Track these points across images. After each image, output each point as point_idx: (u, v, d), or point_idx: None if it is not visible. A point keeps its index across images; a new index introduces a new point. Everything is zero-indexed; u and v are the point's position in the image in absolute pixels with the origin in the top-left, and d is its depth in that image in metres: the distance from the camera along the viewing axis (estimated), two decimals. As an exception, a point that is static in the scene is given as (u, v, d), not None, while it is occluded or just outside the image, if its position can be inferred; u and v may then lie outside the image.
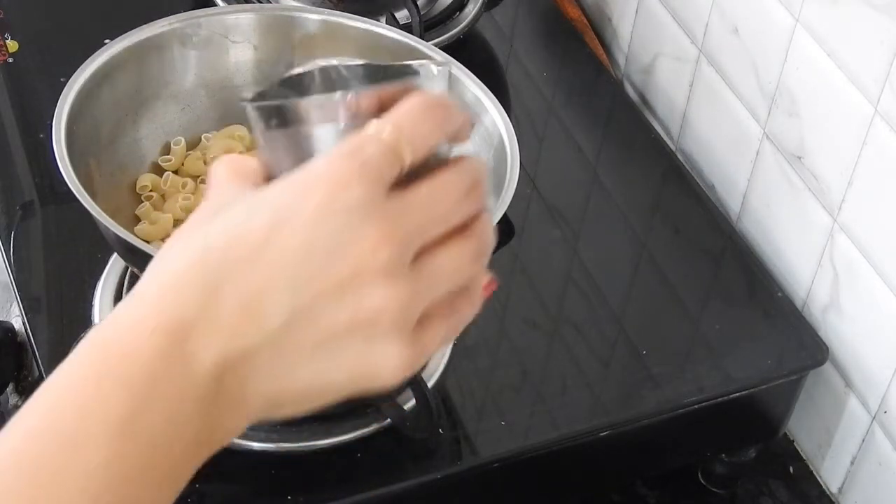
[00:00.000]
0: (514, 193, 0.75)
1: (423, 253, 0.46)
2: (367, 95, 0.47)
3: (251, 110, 0.48)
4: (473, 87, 0.82)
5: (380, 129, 0.46)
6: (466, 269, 0.47)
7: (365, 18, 0.86)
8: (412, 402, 0.80)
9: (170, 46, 0.83)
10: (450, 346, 0.86)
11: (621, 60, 1.20)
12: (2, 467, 0.42)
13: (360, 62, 0.49)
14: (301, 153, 0.47)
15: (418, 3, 1.07)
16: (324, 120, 0.47)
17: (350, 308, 0.45)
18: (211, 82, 0.85)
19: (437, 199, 0.46)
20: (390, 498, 0.79)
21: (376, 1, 1.10)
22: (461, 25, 1.12)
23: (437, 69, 0.50)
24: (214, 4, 1.09)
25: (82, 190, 0.70)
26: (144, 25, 0.82)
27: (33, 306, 0.85)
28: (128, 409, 0.43)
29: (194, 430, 0.44)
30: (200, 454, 0.46)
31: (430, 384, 0.82)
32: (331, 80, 0.50)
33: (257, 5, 1.06)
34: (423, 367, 0.84)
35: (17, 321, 0.88)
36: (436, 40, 1.08)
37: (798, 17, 0.92)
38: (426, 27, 1.08)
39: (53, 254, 0.90)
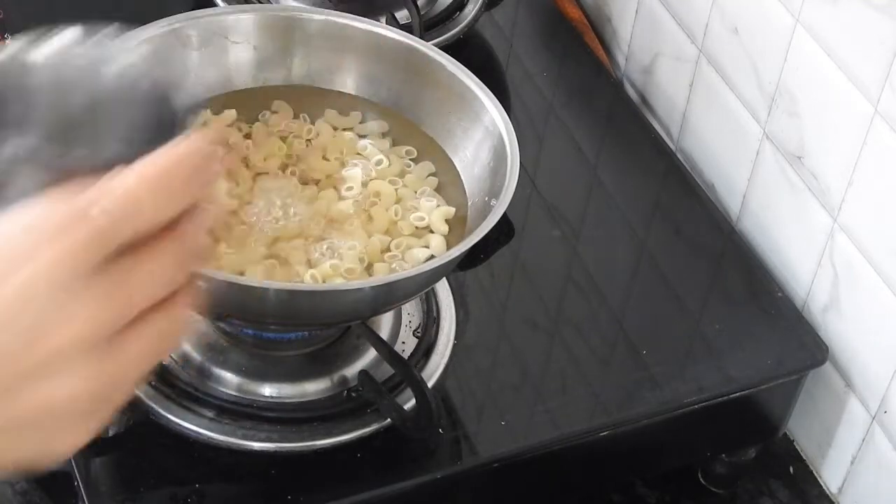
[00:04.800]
0: (514, 193, 0.75)
1: (122, 332, 0.45)
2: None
3: None
4: (473, 87, 0.82)
5: (92, 205, 0.43)
6: (159, 349, 0.47)
7: (365, 18, 0.86)
8: (412, 402, 0.80)
9: (170, 47, 0.83)
10: (450, 346, 0.86)
11: (621, 60, 1.20)
12: None
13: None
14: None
15: (418, 3, 1.07)
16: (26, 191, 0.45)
17: (45, 391, 0.44)
18: (211, 83, 0.85)
19: (146, 277, 0.45)
20: (390, 498, 0.79)
21: (376, 1, 1.10)
22: (461, 25, 1.12)
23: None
24: (214, 5, 1.09)
25: (82, 190, 0.70)
26: (144, 26, 0.82)
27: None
28: None
29: None
30: None
31: (430, 384, 0.82)
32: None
33: (257, 6, 1.06)
34: (423, 367, 0.84)
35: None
36: (436, 40, 1.08)
37: (798, 17, 0.92)
38: (426, 27, 1.08)
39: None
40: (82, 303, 0.43)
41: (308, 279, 0.77)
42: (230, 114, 0.85)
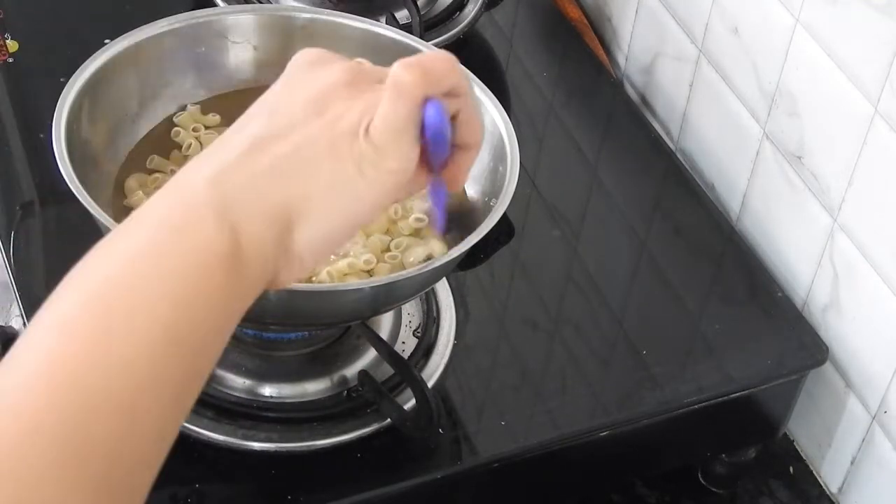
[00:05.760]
0: (514, 193, 0.75)
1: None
2: None
3: None
4: (473, 87, 0.82)
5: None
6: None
7: (365, 18, 0.86)
8: (412, 402, 0.80)
9: (170, 47, 0.83)
10: (450, 346, 0.86)
11: (621, 60, 1.20)
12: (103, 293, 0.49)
13: None
14: None
15: (418, 3, 1.07)
16: None
17: (317, 119, 0.55)
18: (211, 82, 0.85)
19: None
20: (390, 498, 0.79)
21: (376, 1, 1.10)
22: (461, 25, 1.12)
23: None
24: (214, 5, 1.09)
25: (82, 190, 0.70)
26: (144, 26, 0.82)
27: (33, 306, 0.85)
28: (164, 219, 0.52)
29: (217, 233, 0.51)
30: (238, 268, 0.52)
31: (430, 384, 0.82)
32: None
33: (257, 6, 1.06)
34: (423, 367, 0.84)
35: (17, 321, 0.88)
36: (436, 40, 1.08)
37: (798, 17, 0.92)
38: (426, 27, 1.08)
39: (53, 254, 0.90)
40: (339, 66, 0.58)
41: (325, 277, 0.77)
42: (214, 119, 0.85)
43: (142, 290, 0.49)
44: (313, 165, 0.55)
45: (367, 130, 0.56)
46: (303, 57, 0.59)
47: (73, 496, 0.44)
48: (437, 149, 0.59)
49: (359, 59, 0.60)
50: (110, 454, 0.46)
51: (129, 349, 0.47)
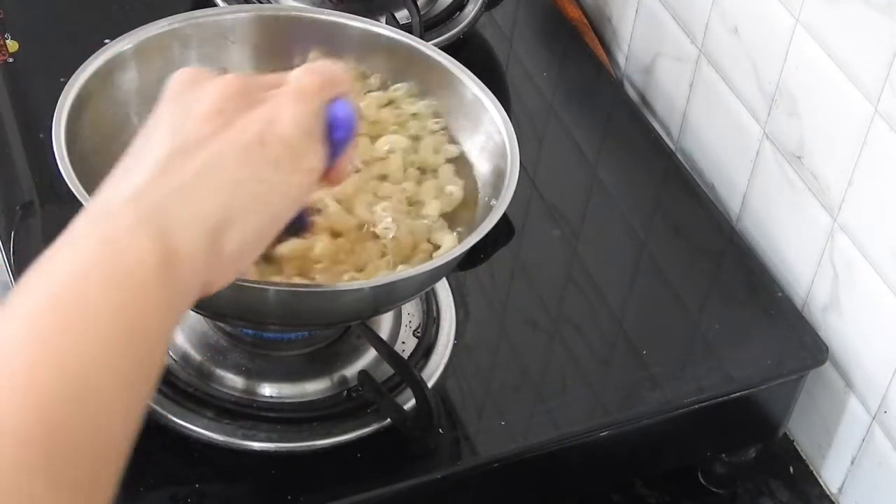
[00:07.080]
0: (514, 193, 0.75)
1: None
2: None
3: None
4: (473, 87, 0.82)
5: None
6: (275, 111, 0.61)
7: (365, 18, 0.86)
8: (412, 402, 0.80)
9: (170, 47, 0.83)
10: (450, 346, 0.86)
11: (621, 60, 1.20)
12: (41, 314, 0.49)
13: None
14: None
15: (418, 3, 1.07)
16: None
17: (222, 131, 0.58)
18: (211, 82, 0.85)
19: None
20: (390, 498, 0.79)
21: (376, 1, 1.10)
22: (461, 25, 1.12)
23: None
24: (214, 5, 1.09)
25: (82, 190, 0.70)
26: (144, 26, 0.82)
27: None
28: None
29: (149, 246, 0.52)
30: (172, 277, 0.53)
31: (430, 384, 0.82)
32: None
33: (257, 6, 1.06)
34: (423, 367, 0.84)
35: (17, 321, 0.88)
36: (436, 40, 1.08)
37: (798, 17, 0.92)
38: (426, 27, 1.08)
39: (53, 254, 0.90)
40: (222, 80, 0.61)
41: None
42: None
43: (84, 303, 0.50)
44: (231, 175, 0.57)
45: (277, 134, 0.59)
46: (180, 77, 0.62)
47: (53, 494, 0.45)
48: (341, 144, 0.63)
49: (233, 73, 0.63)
50: (85, 449, 0.47)
51: (88, 349, 0.49)
